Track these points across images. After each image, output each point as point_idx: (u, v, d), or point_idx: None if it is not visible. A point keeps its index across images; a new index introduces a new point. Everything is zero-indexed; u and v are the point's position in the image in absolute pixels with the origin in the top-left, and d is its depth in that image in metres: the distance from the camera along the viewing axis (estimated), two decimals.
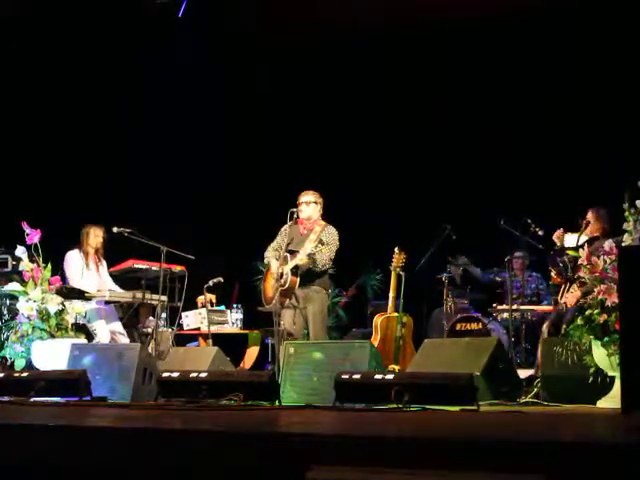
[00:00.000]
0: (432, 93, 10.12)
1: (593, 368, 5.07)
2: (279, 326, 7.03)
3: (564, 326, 6.10)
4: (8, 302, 7.26)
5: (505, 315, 8.72)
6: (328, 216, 7.40)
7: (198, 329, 9.03)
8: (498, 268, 9.25)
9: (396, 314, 7.70)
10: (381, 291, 10.21)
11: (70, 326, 6.71)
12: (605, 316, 4.87)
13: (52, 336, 6.57)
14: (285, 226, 7.27)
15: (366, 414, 4.54)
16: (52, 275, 6.86)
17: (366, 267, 10.93)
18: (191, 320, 9.07)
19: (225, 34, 10.50)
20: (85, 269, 7.97)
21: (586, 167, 9.00)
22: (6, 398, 5.47)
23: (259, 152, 10.98)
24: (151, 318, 8.64)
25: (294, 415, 4.55)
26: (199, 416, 4.41)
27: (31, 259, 6.80)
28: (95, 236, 8.06)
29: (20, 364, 6.55)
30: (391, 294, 7.79)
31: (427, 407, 4.55)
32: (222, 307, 9.35)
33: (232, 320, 9.20)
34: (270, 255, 7.30)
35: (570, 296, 6.26)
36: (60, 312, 6.66)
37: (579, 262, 5.22)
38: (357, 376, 4.92)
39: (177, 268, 7.97)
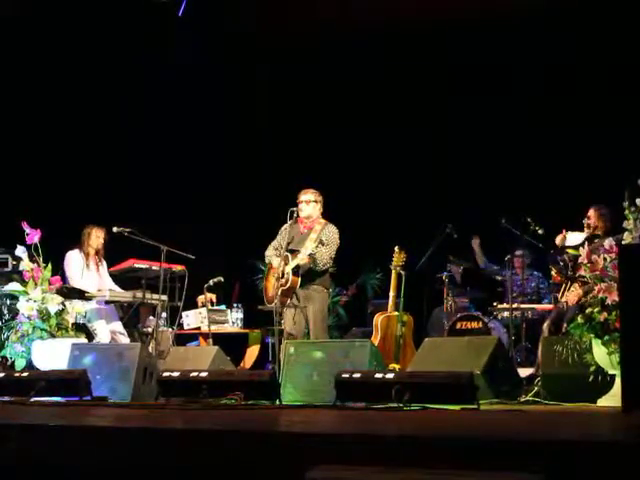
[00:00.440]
0: (432, 92, 10.12)
1: (593, 367, 5.07)
2: (279, 325, 7.03)
3: (564, 325, 6.11)
4: (8, 302, 7.25)
5: (505, 314, 8.72)
6: (328, 215, 7.40)
7: (198, 328, 9.03)
8: (499, 267, 9.26)
9: (396, 313, 7.70)
10: (381, 290, 10.21)
11: (70, 326, 6.71)
12: (605, 314, 4.87)
13: (52, 336, 6.57)
14: (285, 225, 7.26)
15: (366, 413, 4.53)
16: (52, 275, 6.86)
17: (366, 266, 10.92)
18: (191, 320, 9.07)
19: (225, 34, 10.50)
20: (85, 269, 7.96)
21: (586, 166, 9.00)
22: (6, 398, 5.47)
23: (259, 151, 10.98)
24: (151, 318, 8.63)
25: (294, 414, 4.55)
26: (199, 415, 4.41)
27: (31, 259, 6.80)
28: (96, 237, 8.06)
29: (20, 364, 6.55)
30: (391, 293, 7.79)
31: (427, 406, 4.55)
32: (222, 306, 9.35)
33: (232, 319, 9.20)
34: (271, 254, 7.29)
35: (571, 295, 6.26)
36: (60, 312, 6.66)
37: (579, 260, 5.22)
38: (357, 375, 4.92)
39: (177, 268, 7.97)
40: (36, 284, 6.71)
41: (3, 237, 7.81)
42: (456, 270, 9.63)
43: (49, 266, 6.83)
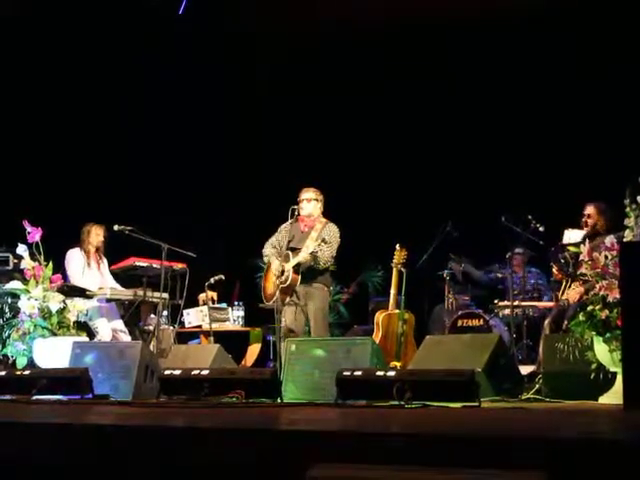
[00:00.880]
0: (432, 92, 10.11)
1: (595, 364, 5.07)
2: (280, 323, 7.03)
3: (565, 322, 6.12)
4: (10, 300, 7.24)
5: (506, 311, 8.72)
6: (329, 213, 7.40)
7: (200, 327, 9.05)
8: (499, 265, 9.26)
9: (397, 311, 7.70)
10: (382, 288, 10.21)
11: (72, 324, 6.72)
12: (607, 312, 4.87)
13: (54, 334, 6.58)
14: (286, 224, 7.27)
15: (368, 411, 4.53)
16: (53, 273, 6.87)
17: (367, 264, 10.93)
18: (192, 318, 9.08)
19: (225, 34, 10.49)
20: (86, 267, 7.97)
21: (586, 164, 9.00)
22: (8, 396, 5.47)
23: (259, 150, 10.98)
24: (152, 316, 8.64)
25: (295, 412, 4.55)
26: (201, 414, 4.41)
27: (32, 257, 6.81)
28: (96, 235, 8.07)
29: (22, 362, 6.55)
30: (392, 291, 7.79)
31: (429, 404, 4.54)
32: (223, 304, 9.37)
33: (233, 317, 9.22)
34: (269, 252, 7.29)
35: (572, 292, 6.27)
36: (62, 310, 6.67)
37: (580, 258, 5.22)
38: (359, 373, 4.92)
39: (178, 266, 7.98)
40: (37, 282, 6.72)
41: (4, 235, 7.82)
42: (457, 268, 9.63)
43: (50, 264, 6.84)
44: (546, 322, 6.78)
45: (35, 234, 6.80)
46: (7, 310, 7.23)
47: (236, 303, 9.41)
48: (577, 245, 6.00)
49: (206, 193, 10.75)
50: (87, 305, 7.26)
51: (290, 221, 7.20)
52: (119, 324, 8.00)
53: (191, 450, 3.17)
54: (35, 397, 5.28)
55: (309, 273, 7.07)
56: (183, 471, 3.17)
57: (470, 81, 10.07)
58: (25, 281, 6.79)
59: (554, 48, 9.46)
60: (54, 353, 6.42)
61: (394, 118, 10.38)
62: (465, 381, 4.61)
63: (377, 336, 7.55)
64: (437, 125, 10.25)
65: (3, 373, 5.84)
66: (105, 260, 8.19)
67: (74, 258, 7.97)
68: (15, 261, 7.69)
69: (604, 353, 4.96)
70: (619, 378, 4.85)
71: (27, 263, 6.80)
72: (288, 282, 7.00)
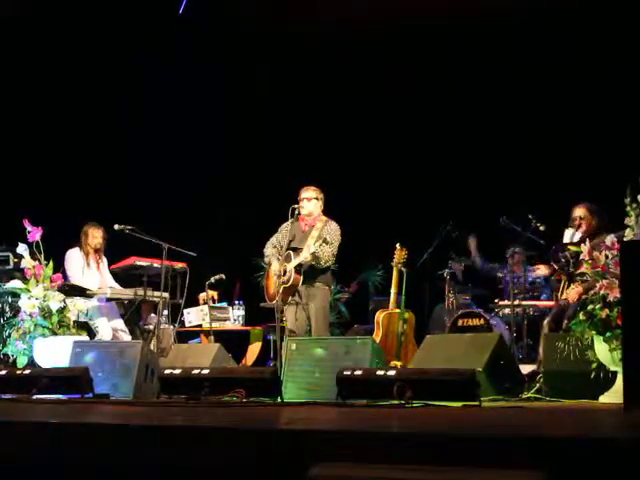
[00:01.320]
0: (432, 92, 10.11)
1: (595, 363, 5.07)
2: (281, 323, 7.04)
3: (565, 322, 6.11)
4: (10, 299, 7.25)
5: (507, 311, 8.71)
6: (329, 212, 7.40)
7: (200, 326, 9.05)
8: (499, 264, 9.25)
9: (398, 310, 7.70)
10: (383, 287, 10.21)
11: (72, 323, 6.72)
12: (607, 311, 4.87)
13: (54, 333, 6.58)
14: (286, 223, 7.26)
15: (368, 410, 4.53)
16: (54, 273, 6.87)
17: (368, 263, 10.93)
18: (193, 317, 9.08)
19: (225, 34, 10.49)
20: (86, 267, 7.97)
21: (586, 164, 9.00)
22: (8, 395, 5.47)
23: (260, 150, 10.98)
24: (153, 315, 8.65)
25: (296, 412, 4.55)
26: (201, 413, 4.41)
27: (33, 257, 6.81)
28: (93, 237, 8.06)
29: (22, 361, 6.55)
30: (393, 290, 7.79)
31: (429, 403, 4.55)
32: (224, 304, 9.37)
33: (234, 317, 9.22)
34: (270, 253, 7.29)
35: (572, 292, 6.26)
36: (62, 309, 6.67)
37: (581, 257, 5.22)
38: (359, 372, 4.92)
39: (179, 265, 7.98)
40: (38, 282, 6.72)
41: (5, 235, 7.82)
42: (457, 267, 9.62)
43: (50, 264, 6.84)
44: (545, 321, 6.78)
45: (35, 233, 6.80)
46: (7, 309, 7.24)
47: (236, 302, 9.41)
48: (577, 244, 6.00)
49: (206, 193, 10.75)
50: (87, 304, 7.28)
51: (291, 220, 7.19)
52: (119, 323, 8.00)
53: (191, 450, 3.17)
54: (35, 396, 5.28)
55: (311, 273, 7.07)
56: (183, 471, 3.17)
57: (470, 81, 10.07)
58: (25, 280, 6.79)
59: (554, 48, 9.46)
60: (54, 352, 6.42)
61: (394, 118, 10.38)
62: (465, 380, 4.61)
63: (377, 335, 7.54)
64: (437, 125, 10.25)
65: (3, 372, 5.84)
66: (105, 260, 8.19)
67: (73, 258, 7.98)
68: (15, 260, 7.69)
69: (604, 352, 4.96)
70: (619, 377, 4.85)
71: (27, 262, 6.80)
72: (290, 282, 7.01)
